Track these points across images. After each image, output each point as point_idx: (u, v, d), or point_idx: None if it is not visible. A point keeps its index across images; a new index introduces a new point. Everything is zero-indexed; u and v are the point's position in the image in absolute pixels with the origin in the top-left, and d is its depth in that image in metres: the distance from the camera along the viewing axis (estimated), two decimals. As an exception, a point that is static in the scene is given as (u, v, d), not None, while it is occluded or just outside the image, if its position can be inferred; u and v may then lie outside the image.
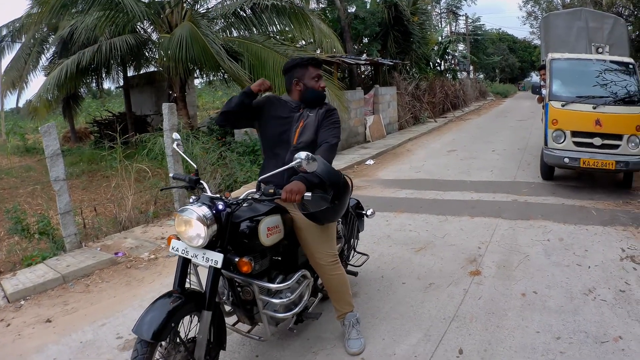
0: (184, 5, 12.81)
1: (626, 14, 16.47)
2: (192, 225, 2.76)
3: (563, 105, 8.71)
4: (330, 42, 14.28)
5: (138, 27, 13.44)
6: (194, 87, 23.55)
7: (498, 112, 29.04)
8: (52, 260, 5.66)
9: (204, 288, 2.86)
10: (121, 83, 18.93)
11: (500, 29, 63.15)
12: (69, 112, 20.66)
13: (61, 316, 4.50)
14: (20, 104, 23.08)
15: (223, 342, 3.07)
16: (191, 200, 2.94)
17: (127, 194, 7.40)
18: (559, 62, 9.24)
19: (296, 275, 3.28)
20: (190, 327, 2.93)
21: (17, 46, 20.81)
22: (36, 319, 4.49)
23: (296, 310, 3.35)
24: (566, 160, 8.55)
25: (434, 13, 39.09)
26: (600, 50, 10.00)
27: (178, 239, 2.93)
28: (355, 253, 4.70)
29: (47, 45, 20.12)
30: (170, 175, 3.51)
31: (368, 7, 20.91)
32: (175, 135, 3.44)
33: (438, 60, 29.85)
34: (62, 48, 17.35)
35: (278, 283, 3.17)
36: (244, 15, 12.65)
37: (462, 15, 45.42)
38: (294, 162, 2.73)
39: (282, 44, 12.94)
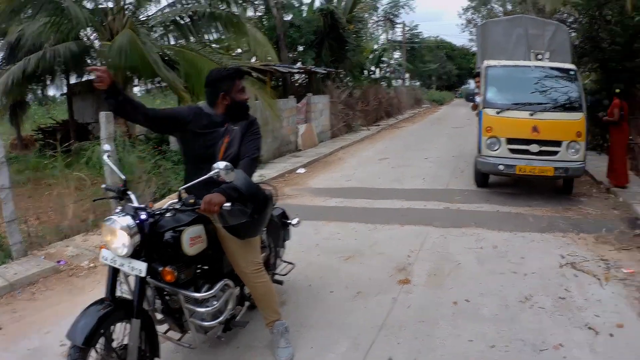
0: (126, 12, 12.94)
1: (570, 20, 17.31)
2: (117, 235, 2.95)
3: (498, 113, 8.95)
4: (265, 50, 14.78)
5: (82, 34, 13.61)
6: (133, 95, 23.53)
7: (433, 120, 30.03)
8: (1, 269, 5.88)
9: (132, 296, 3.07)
10: (65, 90, 19.04)
11: (438, 36, 65.23)
12: (15, 119, 20.56)
13: (10, 323, 4.62)
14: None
15: (157, 350, 3.25)
16: (117, 210, 3.11)
17: (69, 203, 7.67)
18: (495, 69, 9.51)
19: (219, 285, 3.45)
20: (124, 334, 3.10)
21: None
22: (-13, 326, 4.61)
23: (222, 318, 3.51)
24: (501, 167, 8.78)
25: (372, 21, 39.92)
26: (539, 57, 10.36)
27: None
28: (282, 262, 4.81)
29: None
30: (103, 186, 3.59)
31: (305, 15, 21.49)
32: (106, 147, 3.67)
33: (373, 69, 30.54)
34: (9, 54, 17.13)
35: (204, 292, 3.35)
36: (182, 23, 13.06)
37: (400, 24, 46.63)
38: (212, 172, 2.93)
39: (218, 52, 13.44)
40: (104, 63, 11.71)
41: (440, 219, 7.65)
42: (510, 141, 8.83)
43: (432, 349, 3.85)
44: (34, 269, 5.82)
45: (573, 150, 8.57)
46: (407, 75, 44.64)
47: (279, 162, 13.36)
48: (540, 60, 10.19)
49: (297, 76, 21.25)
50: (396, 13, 43.77)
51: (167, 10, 13.61)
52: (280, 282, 4.72)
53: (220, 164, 2.90)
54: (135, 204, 3.11)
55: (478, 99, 9.77)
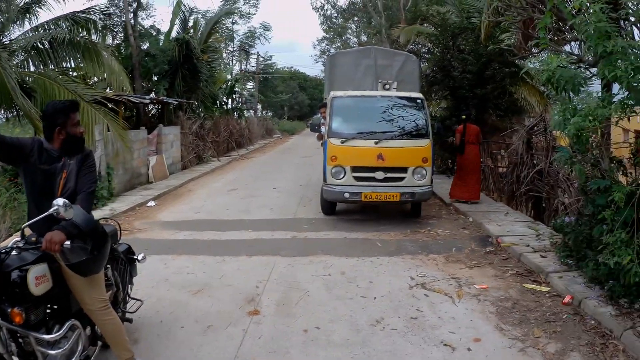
0: (-12, 35, 12.37)
1: (424, 50, 18.63)
2: None
3: (343, 142, 9.32)
4: (120, 80, 14.87)
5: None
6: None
7: (284, 149, 30.80)
8: None
9: None
10: None
11: (292, 67, 67.04)
12: None
13: None
14: None
15: None
16: None
17: None
18: (341, 99, 9.92)
19: (66, 325, 3.44)
20: None
21: None
22: None
23: (74, 359, 3.49)
24: (347, 195, 9.16)
25: (227, 51, 40.21)
26: (387, 86, 10.90)
27: None
28: (130, 299, 4.85)
29: None
30: None
31: (161, 44, 21.58)
32: None
33: (225, 99, 30.71)
34: None
35: (55, 333, 3.33)
36: (43, 48, 12.94)
37: (254, 54, 47.34)
38: (52, 209, 3.04)
39: (74, 81, 13.18)
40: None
41: (288, 248, 7.81)
42: (355, 169, 9.20)
43: (284, 378, 3.89)
44: None
45: (419, 176, 9.14)
46: (259, 105, 45.30)
47: (130, 195, 13.17)
48: (387, 89, 10.72)
49: (151, 107, 21.21)
50: (252, 43, 44.70)
51: (29, 34, 13.45)
52: (129, 320, 4.66)
53: (60, 201, 3.03)
54: None
55: (323, 129, 10.10)
